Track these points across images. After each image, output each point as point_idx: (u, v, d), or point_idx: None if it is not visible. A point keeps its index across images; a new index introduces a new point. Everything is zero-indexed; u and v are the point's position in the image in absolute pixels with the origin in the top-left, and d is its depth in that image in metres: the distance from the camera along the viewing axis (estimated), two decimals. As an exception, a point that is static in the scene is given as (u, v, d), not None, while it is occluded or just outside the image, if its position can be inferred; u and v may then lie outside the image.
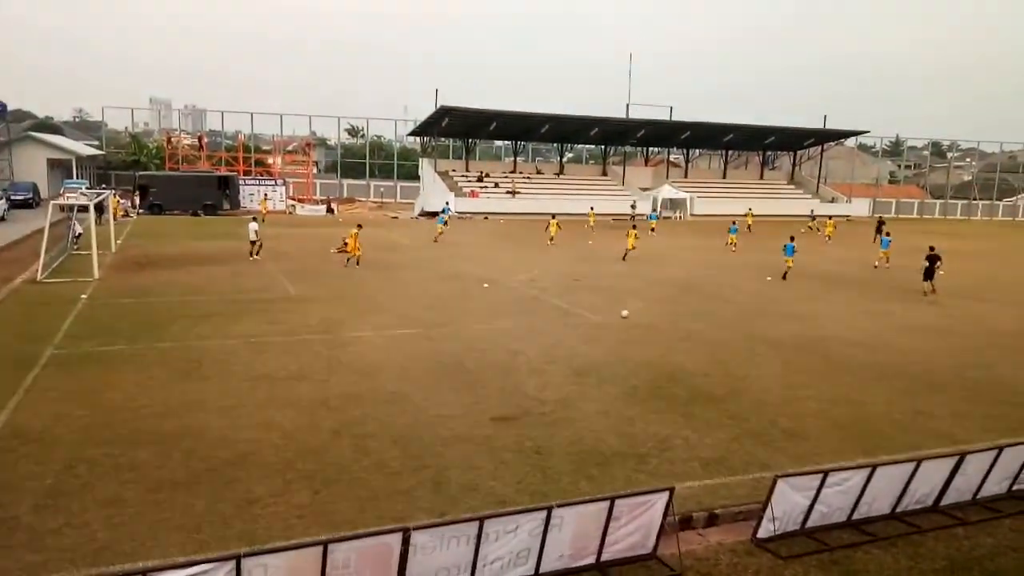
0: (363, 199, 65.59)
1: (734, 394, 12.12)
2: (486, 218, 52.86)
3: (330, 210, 52.71)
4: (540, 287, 22.44)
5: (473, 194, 55.88)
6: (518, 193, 56.68)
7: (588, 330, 16.49)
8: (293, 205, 55.12)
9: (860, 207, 68.20)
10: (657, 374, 13.08)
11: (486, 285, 22.33)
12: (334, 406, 11.00)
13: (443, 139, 67.47)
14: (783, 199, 64.89)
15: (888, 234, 29.57)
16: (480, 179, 59.37)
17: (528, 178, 62.23)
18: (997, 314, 20.11)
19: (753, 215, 45.77)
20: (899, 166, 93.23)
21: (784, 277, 25.99)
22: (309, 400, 11.22)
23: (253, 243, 26.40)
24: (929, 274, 23.03)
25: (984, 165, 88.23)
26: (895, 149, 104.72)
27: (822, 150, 68.50)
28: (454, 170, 61.14)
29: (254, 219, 27.00)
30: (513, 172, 63.61)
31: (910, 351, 15.49)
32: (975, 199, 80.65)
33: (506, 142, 75.18)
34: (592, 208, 45.96)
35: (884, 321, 18.73)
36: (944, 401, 12.17)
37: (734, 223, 42.60)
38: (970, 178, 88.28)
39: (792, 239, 28.81)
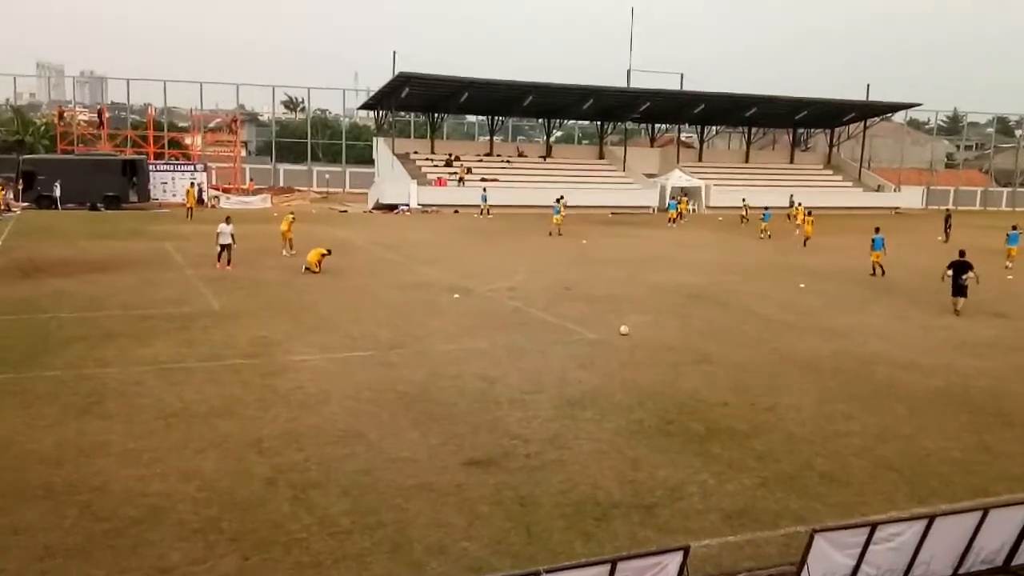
0: (304, 188, 65.40)
1: (761, 429, 12.20)
2: (456, 211, 52.98)
3: (200, 201, 50.61)
4: (523, 297, 22.48)
5: (440, 182, 55.99)
6: (494, 180, 56.83)
7: (582, 350, 16.53)
8: (216, 196, 54.75)
9: (911, 196, 69.30)
10: (667, 404, 13.14)
11: (457, 295, 22.36)
12: (269, 448, 10.91)
13: (403, 114, 67.50)
14: (818, 187, 65.73)
15: (877, 230, 29.52)
16: (449, 163, 59.46)
17: (508, 162, 62.51)
18: (1076, 327, 20.48)
19: (804, 210, 45.49)
20: (958, 147, 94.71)
21: (874, 272, 28.06)
22: (237, 441, 11.12)
23: (223, 249, 25.87)
24: (959, 290, 21.58)
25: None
26: (953, 126, 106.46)
27: (865, 127, 69.47)
28: (416, 152, 61.28)
29: (228, 219, 26.61)
30: (489, 155, 63.84)
31: (974, 374, 15.71)
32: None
33: (480, 118, 75.56)
34: (561, 199, 45.69)
35: (941, 337, 18.99)
36: (1017, 437, 12.34)
37: (767, 209, 43.28)
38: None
39: (878, 230, 29.32)
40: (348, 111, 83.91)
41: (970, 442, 11.99)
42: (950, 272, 21.99)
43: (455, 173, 57.74)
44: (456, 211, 52.90)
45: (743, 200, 52.93)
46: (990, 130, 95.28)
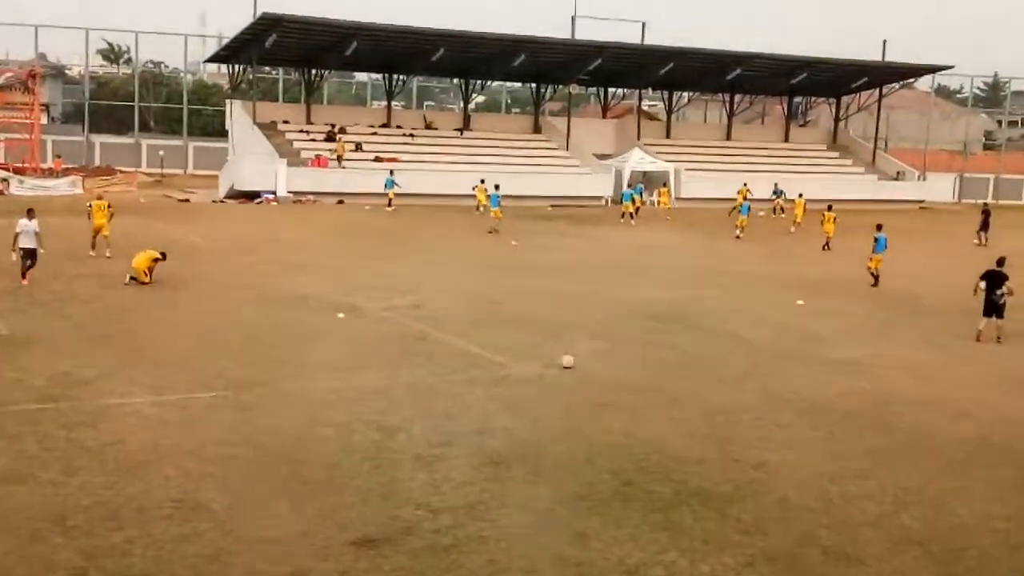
0: (129, 169, 64.14)
1: (747, 492, 12.36)
2: (341, 201, 52.66)
3: None
4: (432, 317, 22.43)
5: (318, 161, 55.63)
6: (393, 160, 56.72)
7: (512, 390, 16.52)
8: (5, 179, 53.33)
9: (939, 187, 71.45)
10: (624, 461, 13.22)
11: (342, 315, 22.21)
12: (75, 527, 10.62)
13: (268, 70, 67.11)
14: (821, 173, 67.46)
15: (879, 228, 30.86)
16: (331, 137, 59.13)
17: (412, 135, 62.51)
18: None
19: (804, 202, 46.73)
20: (999, 122, 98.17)
21: (876, 283, 29.76)
22: (31, 516, 10.80)
23: (27, 257, 24.90)
24: (993, 308, 22.12)
25: None
26: (993, 95, 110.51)
27: (880, 96, 71.64)
28: (287, 122, 60.91)
29: (30, 213, 25.57)
30: (386, 126, 63.75)
31: (1022, 419, 16.24)
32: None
33: (375, 77, 75.47)
34: (482, 182, 47.01)
35: (980, 370, 19.60)
36: (1072, 497, 12.76)
37: (745, 198, 44.27)
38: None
39: (880, 228, 30.64)
40: (192, 65, 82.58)
41: (1017, 507, 12.33)
42: (983, 285, 22.52)
43: (336, 150, 57.49)
44: (341, 201, 52.55)
45: (744, 185, 54.09)
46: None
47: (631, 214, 49.26)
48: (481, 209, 48.14)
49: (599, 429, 14.55)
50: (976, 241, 45.34)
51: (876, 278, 30.07)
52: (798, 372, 18.67)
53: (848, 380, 18.19)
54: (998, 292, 22.21)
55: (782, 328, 22.97)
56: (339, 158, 55.76)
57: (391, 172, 52.56)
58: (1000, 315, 22.27)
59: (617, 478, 12.60)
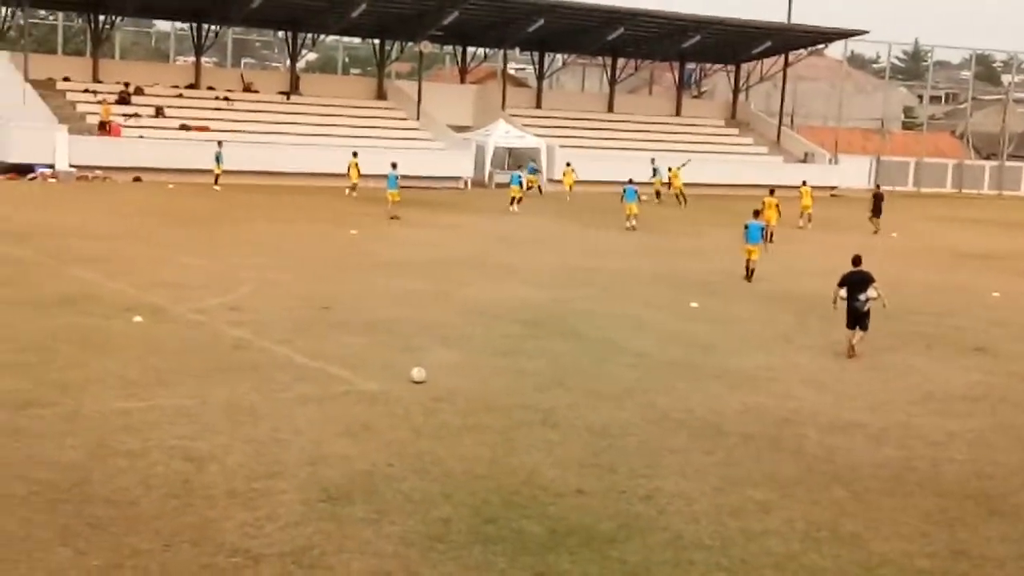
0: None
1: (633, 529, 12.49)
2: (138, 179, 51.66)
3: None
4: (252, 322, 22.23)
5: (109, 128, 54.35)
6: (203, 128, 55.92)
7: (350, 409, 16.42)
8: None
9: (853, 170, 73.79)
10: (487, 494, 13.24)
11: (139, 318, 21.81)
12: None
13: (45, 14, 65.10)
14: (717, 152, 69.13)
15: (756, 214, 32.78)
16: (125, 98, 57.95)
17: (226, 99, 61.62)
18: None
19: (776, 203, 47.41)
20: (920, 97, 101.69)
21: (748, 276, 31.09)
22: None
23: None
24: (856, 318, 22.01)
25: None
26: (913, 66, 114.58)
27: (786, 64, 73.76)
28: (68, 79, 59.50)
29: None
30: (195, 87, 62.73)
31: (944, 440, 16.77)
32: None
33: (180, 26, 73.96)
34: (355, 155, 49.24)
35: (898, 384, 20.25)
36: (1005, 532, 13.20)
37: (630, 182, 45.33)
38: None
39: (757, 214, 32.28)
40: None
41: (941, 542, 12.73)
42: (843, 292, 22.14)
43: (134, 115, 56.23)
44: (138, 178, 51.55)
45: (657, 167, 55.67)
46: (966, 74, 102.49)
47: (516, 200, 49.70)
48: (349, 191, 49.11)
49: (457, 456, 14.54)
50: (872, 229, 47.38)
51: (750, 272, 31.26)
52: (689, 387, 18.95)
53: (747, 396, 18.55)
54: (861, 298, 21.89)
55: (671, 335, 23.34)
56: (103, 124, 54.35)
57: (219, 144, 52.17)
58: (864, 326, 22.05)
59: (478, 515, 12.59)
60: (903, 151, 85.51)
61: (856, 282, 22.09)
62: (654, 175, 57.35)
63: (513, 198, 49.99)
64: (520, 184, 51.29)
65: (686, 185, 56.96)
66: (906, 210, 59.39)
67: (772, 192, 42.32)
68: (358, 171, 49.78)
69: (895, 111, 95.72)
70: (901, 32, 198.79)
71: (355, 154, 50.73)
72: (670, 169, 57.25)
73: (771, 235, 39.89)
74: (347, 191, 49.73)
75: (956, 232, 51.81)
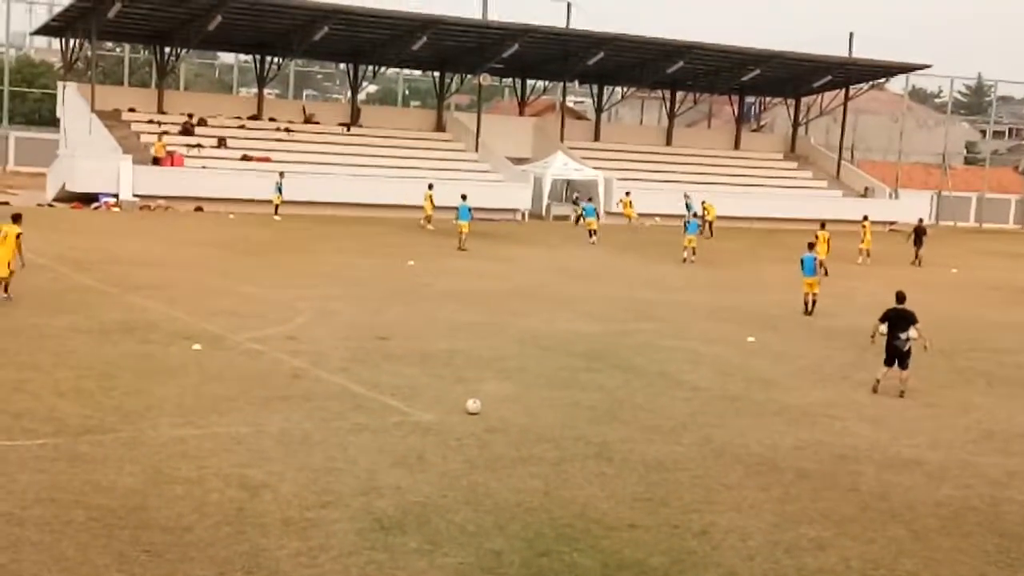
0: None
1: (687, 564, 12.39)
2: (199, 208, 52.04)
3: None
4: (310, 351, 22.25)
5: (171, 159, 54.88)
6: (265, 159, 56.33)
7: (405, 440, 16.41)
8: None
9: (915, 206, 72.32)
10: (540, 527, 13.19)
11: (198, 346, 21.91)
12: None
13: (111, 46, 65.97)
14: (775, 187, 68.73)
15: (811, 246, 33.13)
16: (188, 129, 58.51)
17: (288, 130, 62.07)
18: None
19: (828, 237, 46.63)
20: (983, 133, 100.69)
21: (809, 310, 31.25)
22: None
23: None
24: (896, 356, 21.41)
25: None
26: (975, 101, 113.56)
27: (847, 99, 73.21)
28: (133, 109, 60.18)
29: None
30: (256, 117, 63.23)
31: (1004, 479, 16.53)
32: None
33: (244, 58, 74.80)
34: (430, 188, 50.03)
35: (959, 423, 19.98)
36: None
37: (695, 215, 45.40)
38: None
39: (811, 246, 32.36)
40: (15, 37, 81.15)
41: (1002, 586, 12.61)
42: (883, 328, 21.78)
43: (197, 145, 56.76)
44: (199, 208, 51.95)
45: (690, 200, 55.60)
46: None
47: (593, 232, 50.21)
48: (424, 223, 49.45)
49: (510, 488, 14.51)
50: (914, 260, 47.24)
51: (810, 305, 31.27)
52: (746, 422, 18.83)
53: (803, 432, 18.40)
54: (903, 336, 21.40)
55: (728, 370, 23.17)
56: (156, 160, 54.90)
57: (280, 175, 52.61)
58: (904, 364, 21.48)
59: (531, 548, 12.56)
60: (965, 186, 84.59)
61: (898, 319, 21.64)
62: (688, 209, 57.25)
63: (592, 231, 50.17)
64: (596, 216, 51.64)
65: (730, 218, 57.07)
66: (966, 244, 58.85)
67: (823, 226, 42.08)
68: (432, 203, 50.08)
69: (957, 146, 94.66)
70: (964, 66, 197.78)
71: (431, 186, 51.02)
72: (703, 204, 57.00)
73: (825, 268, 39.72)
74: (421, 222, 49.99)
75: (1018, 268, 51.12)
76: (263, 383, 19.42)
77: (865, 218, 49.76)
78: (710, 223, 55.58)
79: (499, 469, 15.32)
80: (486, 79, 66.72)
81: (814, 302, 31.27)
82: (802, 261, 31.53)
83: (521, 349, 23.93)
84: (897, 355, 21.45)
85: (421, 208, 50.69)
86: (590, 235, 49.99)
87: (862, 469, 16.46)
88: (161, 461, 14.72)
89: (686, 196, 58.62)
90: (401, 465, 15.21)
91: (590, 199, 57.80)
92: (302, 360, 21.45)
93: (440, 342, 24.04)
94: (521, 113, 72.74)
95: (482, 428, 17.28)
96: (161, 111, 60.50)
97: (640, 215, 58.35)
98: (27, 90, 76.23)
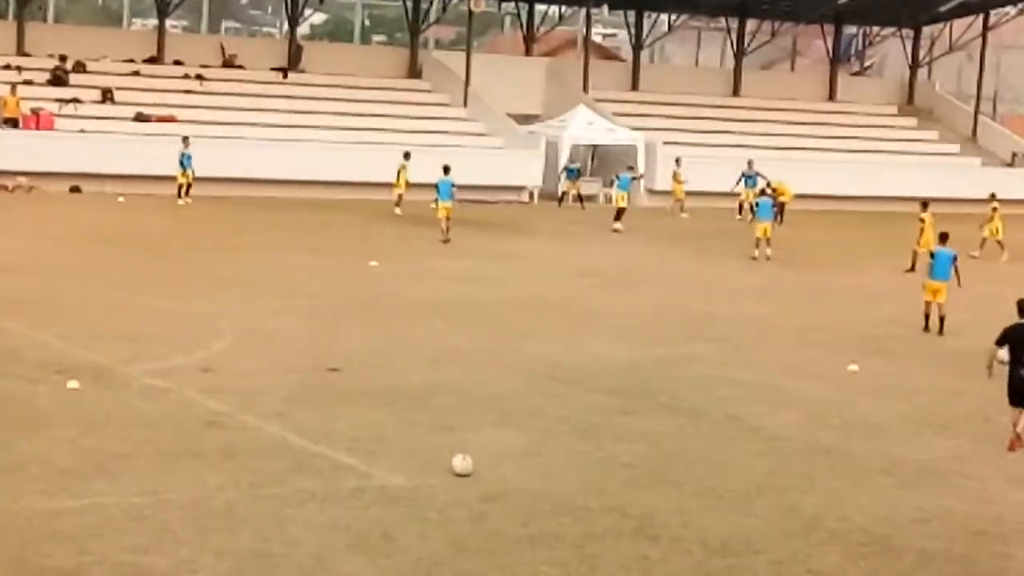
0: None
1: None
2: (76, 189, 52.13)
3: None
4: (232, 389, 22.29)
5: (35, 119, 54.84)
6: (168, 119, 56.42)
7: (364, 512, 16.40)
8: None
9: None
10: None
11: (74, 384, 21.89)
12: None
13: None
14: (888, 151, 68.47)
15: (943, 239, 32.41)
16: (59, 77, 58.60)
17: (200, 77, 62.08)
18: None
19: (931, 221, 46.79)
20: None
21: (927, 326, 30.69)
22: None
23: None
24: (1021, 389, 20.66)
25: None
26: None
27: (985, 28, 73.00)
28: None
29: None
30: (156, 60, 63.23)
31: None
32: None
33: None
34: (406, 157, 49.92)
35: None
36: None
37: (764, 192, 45.42)
38: None
39: (944, 238, 32.13)
40: None
41: None
42: (1002, 354, 21.29)
43: (72, 100, 56.89)
44: (76, 187, 51.99)
45: (752, 173, 55.57)
46: None
47: (619, 216, 50.63)
48: (396, 204, 50.18)
49: (516, 580, 14.57)
50: (975, 254, 46.27)
51: (939, 320, 31.13)
52: (845, 484, 18.78)
53: (927, 498, 18.35)
54: None
55: (820, 411, 23.16)
56: (12, 121, 54.77)
57: (185, 142, 52.14)
58: None
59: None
60: None
61: (1021, 340, 21.01)
62: (745, 184, 56.80)
63: (620, 210, 50.70)
64: (627, 190, 51.96)
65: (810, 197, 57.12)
66: None
67: (926, 206, 41.93)
68: (406, 180, 50.35)
69: None
70: None
71: (407, 155, 51.05)
72: (769, 184, 55.99)
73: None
74: (397, 211, 50.14)
75: None
76: (166, 434, 19.32)
77: (992, 196, 49.54)
78: (782, 205, 55.31)
79: (499, 553, 15.22)
80: (479, 4, 66.61)
81: (941, 317, 31.11)
82: (933, 258, 31.24)
83: (530, 384, 23.92)
84: (1021, 389, 20.70)
85: (391, 186, 50.82)
86: (616, 217, 50.26)
87: (1010, 551, 16.40)
88: (25, 545, 14.59)
89: (749, 164, 57.74)
90: (360, 549, 15.11)
91: (630, 168, 56.74)
92: (222, 401, 21.37)
93: (415, 375, 24.05)
94: (528, 52, 72.66)
95: (475, 495, 17.21)
96: (21, 52, 60.48)
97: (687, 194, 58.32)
98: None
